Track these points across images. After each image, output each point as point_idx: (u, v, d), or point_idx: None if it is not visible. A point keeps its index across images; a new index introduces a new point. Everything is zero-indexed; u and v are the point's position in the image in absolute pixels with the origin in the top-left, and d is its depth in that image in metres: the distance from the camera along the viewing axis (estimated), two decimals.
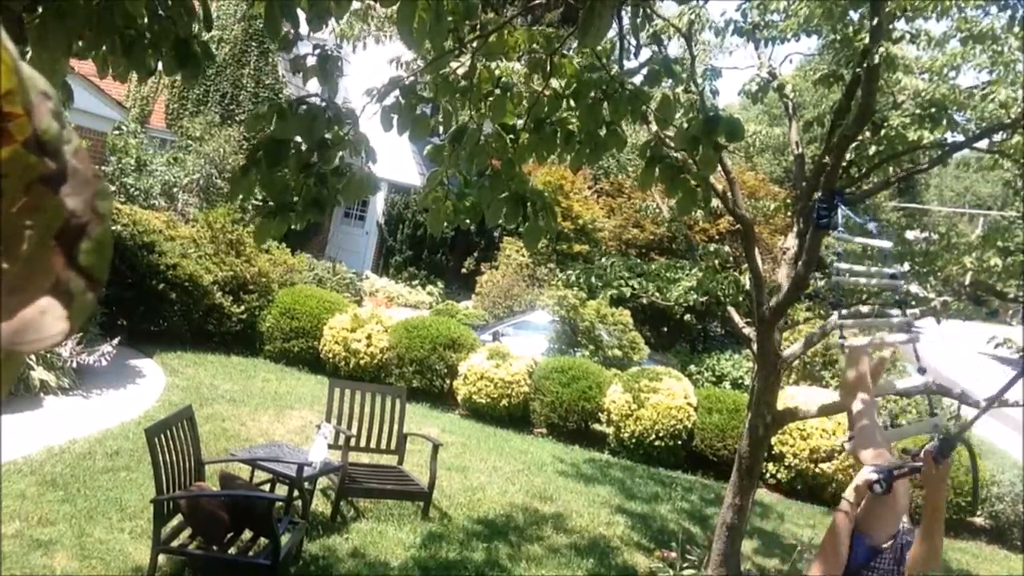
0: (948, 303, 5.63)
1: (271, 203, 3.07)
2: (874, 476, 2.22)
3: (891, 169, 5.78)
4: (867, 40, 4.68)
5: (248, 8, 16.11)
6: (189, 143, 15.93)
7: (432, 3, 2.41)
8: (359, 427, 6.55)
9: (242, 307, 10.39)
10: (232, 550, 4.74)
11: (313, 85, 3.10)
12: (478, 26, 3.23)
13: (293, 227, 3.13)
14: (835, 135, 5.15)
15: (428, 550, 5.76)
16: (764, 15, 5.58)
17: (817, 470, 8.80)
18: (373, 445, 6.62)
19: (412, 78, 3.33)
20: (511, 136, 3.17)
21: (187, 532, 4.74)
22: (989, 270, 5.45)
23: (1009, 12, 5.15)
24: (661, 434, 9.07)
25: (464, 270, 18.43)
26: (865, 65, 4.62)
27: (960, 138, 5.48)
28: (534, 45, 3.27)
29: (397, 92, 3.17)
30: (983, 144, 5.71)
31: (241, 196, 3.05)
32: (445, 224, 3.35)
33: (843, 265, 3.16)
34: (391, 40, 7.31)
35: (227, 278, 10.35)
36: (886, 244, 3.32)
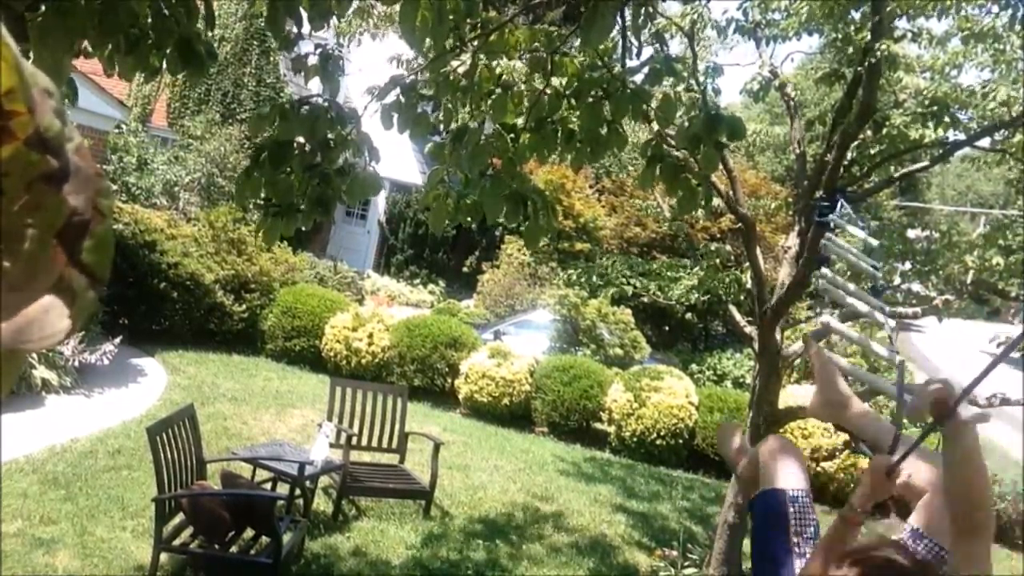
0: (950, 302, 5.63)
1: (275, 203, 3.07)
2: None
3: (892, 168, 5.77)
4: (868, 38, 4.67)
5: (249, 7, 16.10)
6: (190, 142, 15.91)
7: (434, 2, 2.41)
8: (360, 426, 6.55)
9: (243, 306, 10.39)
10: (234, 549, 4.75)
11: (315, 84, 3.10)
12: (479, 24, 3.22)
13: (301, 227, 3.13)
14: (837, 134, 5.14)
15: (429, 549, 5.76)
16: (765, 13, 5.58)
17: (819, 469, 8.79)
18: (374, 444, 6.62)
19: (413, 76, 3.33)
20: (512, 135, 3.17)
21: (189, 531, 4.74)
22: (991, 269, 5.45)
23: (1010, 11, 5.14)
24: (662, 433, 9.07)
25: (465, 269, 18.41)
26: (866, 64, 4.62)
27: (962, 136, 5.47)
28: (535, 44, 3.27)
29: (398, 90, 3.17)
30: (985, 142, 5.70)
31: (247, 198, 3.06)
32: (446, 223, 3.34)
33: (828, 273, 3.00)
34: (388, 37, 7.32)
35: (228, 277, 10.34)
36: (872, 241, 3.22)
